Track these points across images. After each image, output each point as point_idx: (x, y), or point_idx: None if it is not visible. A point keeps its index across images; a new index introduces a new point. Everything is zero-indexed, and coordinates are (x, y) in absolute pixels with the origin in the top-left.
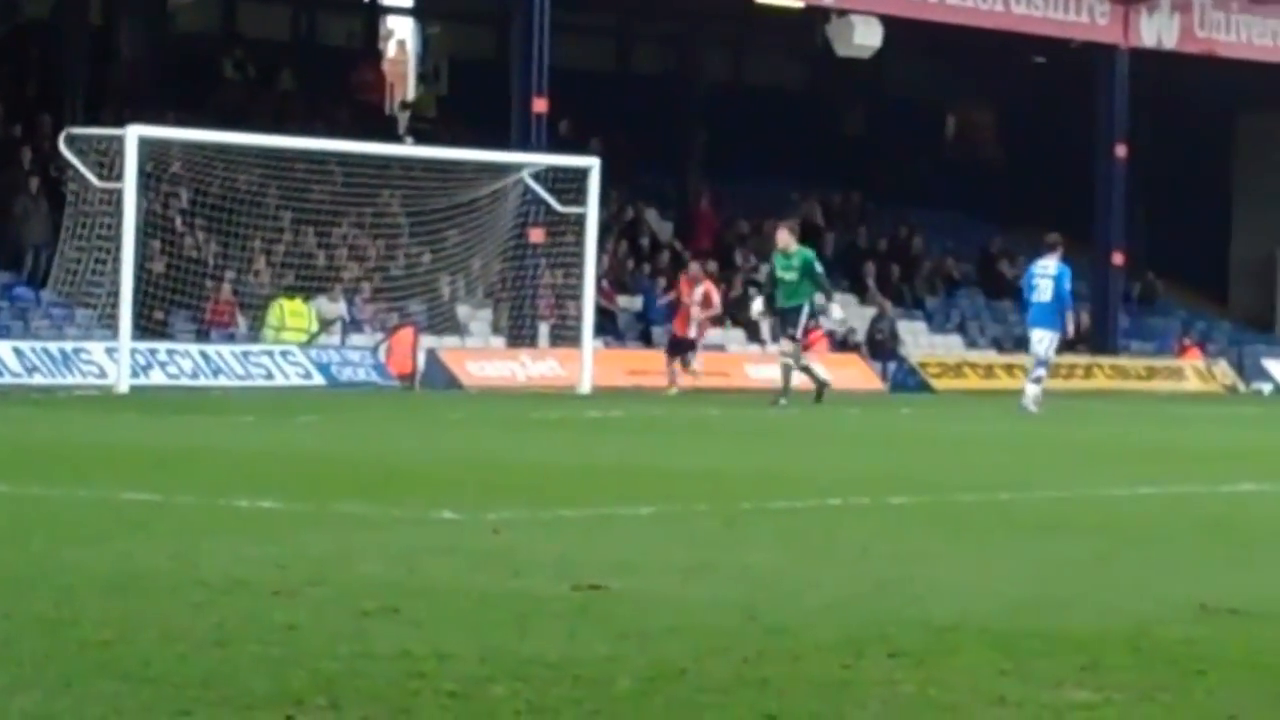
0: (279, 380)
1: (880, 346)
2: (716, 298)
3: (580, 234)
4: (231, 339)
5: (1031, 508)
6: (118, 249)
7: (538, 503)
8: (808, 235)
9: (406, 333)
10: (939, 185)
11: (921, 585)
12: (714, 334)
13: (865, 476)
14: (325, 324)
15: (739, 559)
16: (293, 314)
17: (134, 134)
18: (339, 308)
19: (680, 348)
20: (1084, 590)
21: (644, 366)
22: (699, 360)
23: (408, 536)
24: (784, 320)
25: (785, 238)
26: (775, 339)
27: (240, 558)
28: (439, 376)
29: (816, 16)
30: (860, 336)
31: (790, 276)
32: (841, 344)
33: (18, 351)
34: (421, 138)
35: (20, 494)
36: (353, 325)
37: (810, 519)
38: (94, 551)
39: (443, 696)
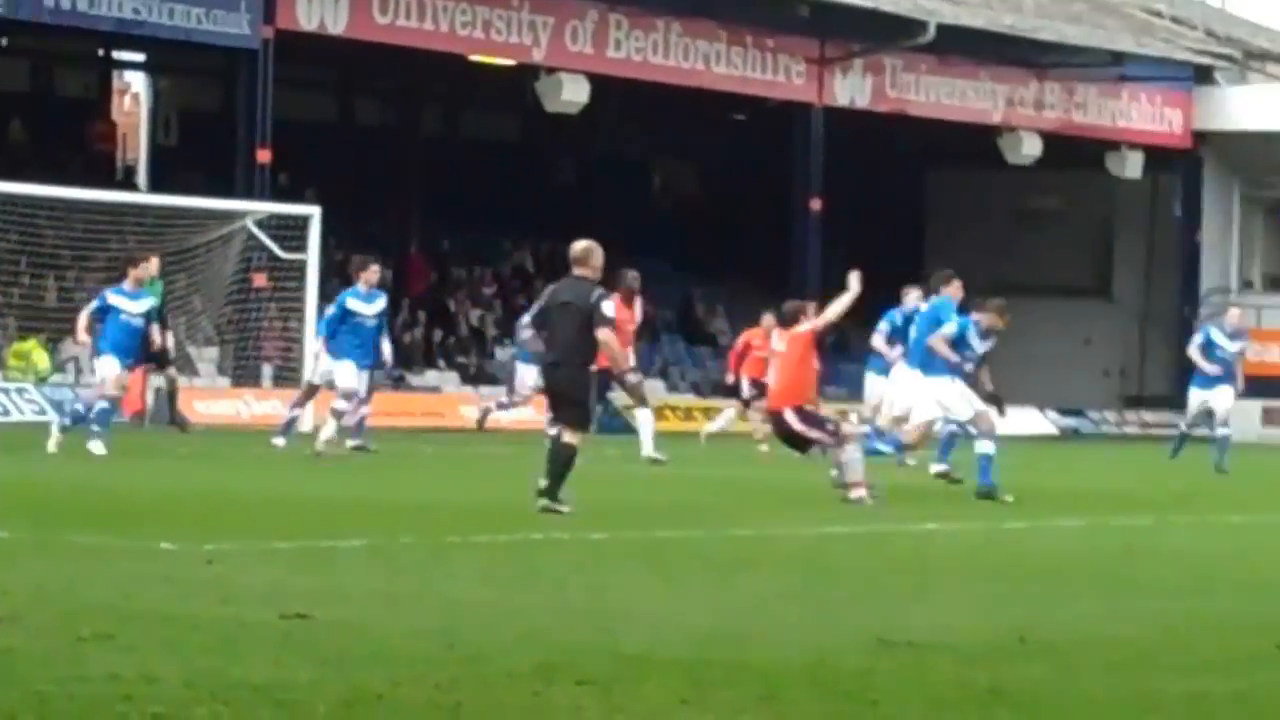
0: (15, 417)
1: None
2: None
3: (302, 279)
4: None
5: (726, 545)
6: None
7: (253, 534)
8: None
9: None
10: (645, 237)
11: (615, 616)
12: (431, 375)
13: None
14: (62, 364)
15: (443, 590)
16: (34, 354)
17: None
18: (77, 348)
19: None
20: (768, 624)
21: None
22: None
23: (128, 566)
24: None
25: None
26: None
27: None
28: (168, 414)
29: (527, 74)
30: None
31: None
32: None
33: None
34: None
35: None
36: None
37: (513, 552)
38: None
39: (148, 718)
